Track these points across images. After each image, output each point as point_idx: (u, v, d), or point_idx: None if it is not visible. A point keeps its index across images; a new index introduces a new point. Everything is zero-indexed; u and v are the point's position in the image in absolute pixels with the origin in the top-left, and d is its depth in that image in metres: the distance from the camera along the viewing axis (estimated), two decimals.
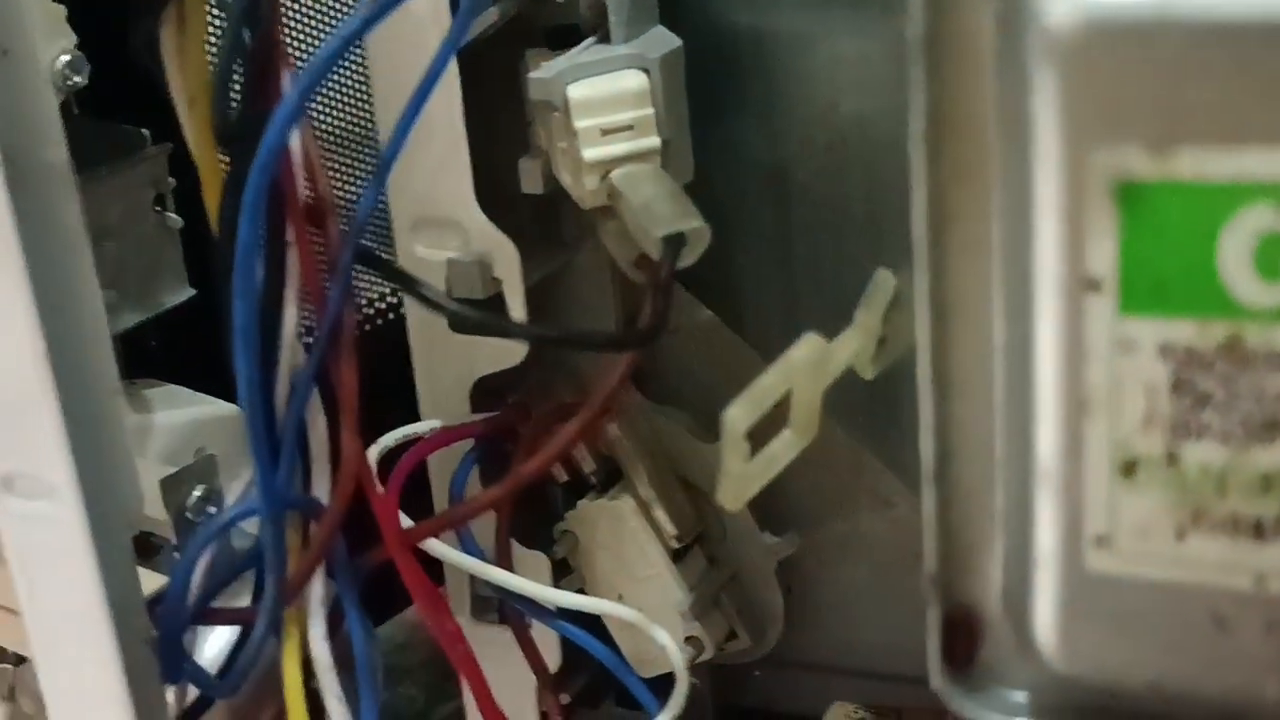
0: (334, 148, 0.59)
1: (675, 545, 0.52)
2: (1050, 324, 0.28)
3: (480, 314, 0.42)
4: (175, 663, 0.40)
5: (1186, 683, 0.29)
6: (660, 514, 0.52)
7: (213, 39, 0.37)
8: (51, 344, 0.35)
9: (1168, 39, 0.25)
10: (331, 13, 0.57)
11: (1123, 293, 0.27)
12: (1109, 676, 0.30)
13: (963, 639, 0.32)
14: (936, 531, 0.31)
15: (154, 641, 0.40)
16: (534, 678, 0.51)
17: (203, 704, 0.42)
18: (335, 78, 0.58)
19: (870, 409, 0.42)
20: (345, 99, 0.59)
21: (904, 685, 0.59)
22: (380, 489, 0.42)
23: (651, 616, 0.51)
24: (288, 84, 0.36)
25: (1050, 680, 0.31)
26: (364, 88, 0.59)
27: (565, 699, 0.53)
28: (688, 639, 0.52)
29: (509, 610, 0.50)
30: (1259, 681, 0.28)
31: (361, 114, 0.60)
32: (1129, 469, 0.28)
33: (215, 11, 0.37)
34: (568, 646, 0.52)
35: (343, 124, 0.59)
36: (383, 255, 0.46)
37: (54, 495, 0.36)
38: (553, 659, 0.52)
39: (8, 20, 0.34)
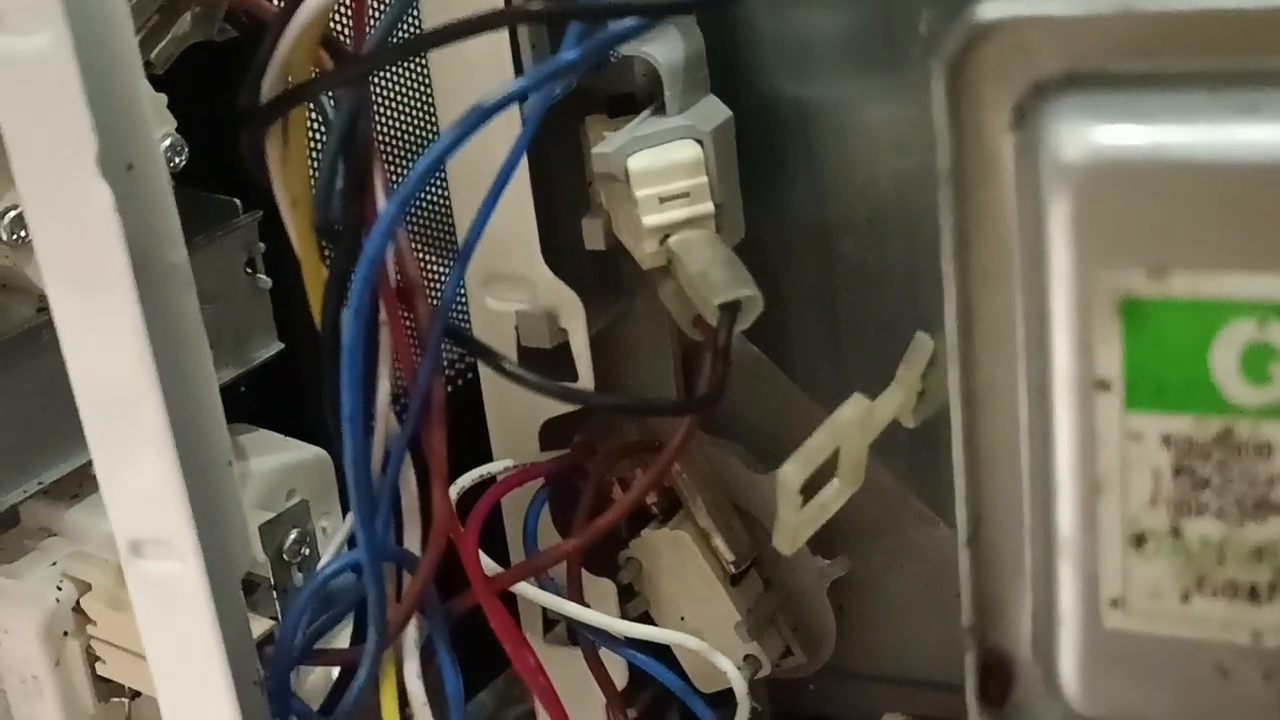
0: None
1: (733, 570, 0.56)
2: (1066, 416, 0.32)
3: (557, 386, 0.46)
4: (283, 701, 0.45)
5: None
6: (718, 542, 0.56)
7: (314, 144, 0.41)
8: (176, 426, 0.39)
9: (1162, 177, 0.30)
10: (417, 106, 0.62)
11: (1128, 392, 0.31)
12: (1126, 717, 0.34)
13: (997, 681, 0.36)
14: (971, 588, 0.35)
15: (264, 681, 0.44)
16: (601, 694, 0.55)
17: None
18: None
19: (912, 453, 0.47)
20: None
21: (950, 693, 0.63)
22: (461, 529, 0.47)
23: (711, 636, 0.55)
24: (380, 187, 0.40)
25: (1076, 718, 0.35)
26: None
27: (632, 714, 0.58)
28: (746, 657, 0.57)
29: (579, 634, 0.54)
30: None
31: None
32: (1138, 541, 0.32)
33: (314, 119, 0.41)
34: (634, 665, 0.56)
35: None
36: (466, 331, 0.50)
37: (178, 557, 0.41)
38: (620, 678, 0.56)
39: (135, 138, 0.38)
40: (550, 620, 0.57)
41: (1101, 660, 0.34)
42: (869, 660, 0.65)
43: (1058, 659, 0.34)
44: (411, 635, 0.45)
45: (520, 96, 0.40)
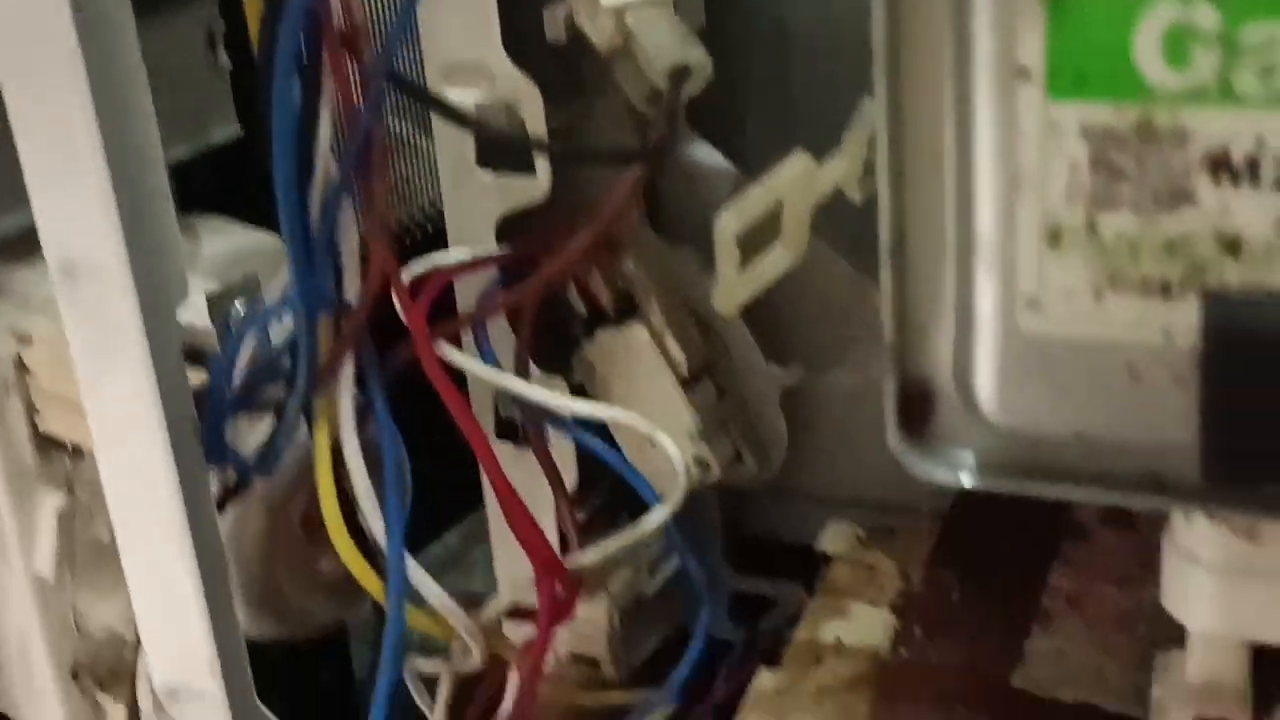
0: None
1: (685, 373, 0.56)
2: (988, 110, 0.32)
3: (504, 130, 0.46)
4: (218, 447, 0.44)
5: (1108, 431, 0.33)
6: (671, 344, 0.56)
7: None
8: (109, 145, 0.39)
9: None
10: None
11: (1049, 80, 0.31)
12: (1041, 429, 0.34)
13: (917, 406, 0.36)
14: (893, 309, 0.35)
15: (198, 427, 0.44)
16: (552, 497, 0.55)
17: (241, 485, 0.47)
18: None
19: (861, 232, 0.46)
20: None
21: (899, 514, 0.63)
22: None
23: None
24: None
25: (993, 440, 0.35)
26: None
27: (581, 517, 0.57)
28: (696, 460, 0.57)
29: (530, 431, 0.54)
30: (1169, 428, 0.32)
31: None
32: (1054, 238, 0.32)
33: None
34: (584, 467, 0.56)
35: None
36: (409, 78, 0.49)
37: (107, 278, 0.41)
38: (570, 477, 0.56)
39: None
40: (503, 422, 0.57)
41: (1017, 369, 0.34)
42: (819, 480, 0.65)
43: (975, 374, 0.34)
44: (349, 376, 0.45)
45: None
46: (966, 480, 0.35)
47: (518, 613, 0.52)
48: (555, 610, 0.49)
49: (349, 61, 0.42)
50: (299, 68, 0.41)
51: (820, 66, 0.47)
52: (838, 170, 0.43)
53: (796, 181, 0.42)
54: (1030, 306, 0.33)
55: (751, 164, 0.54)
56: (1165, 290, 0.32)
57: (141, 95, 0.40)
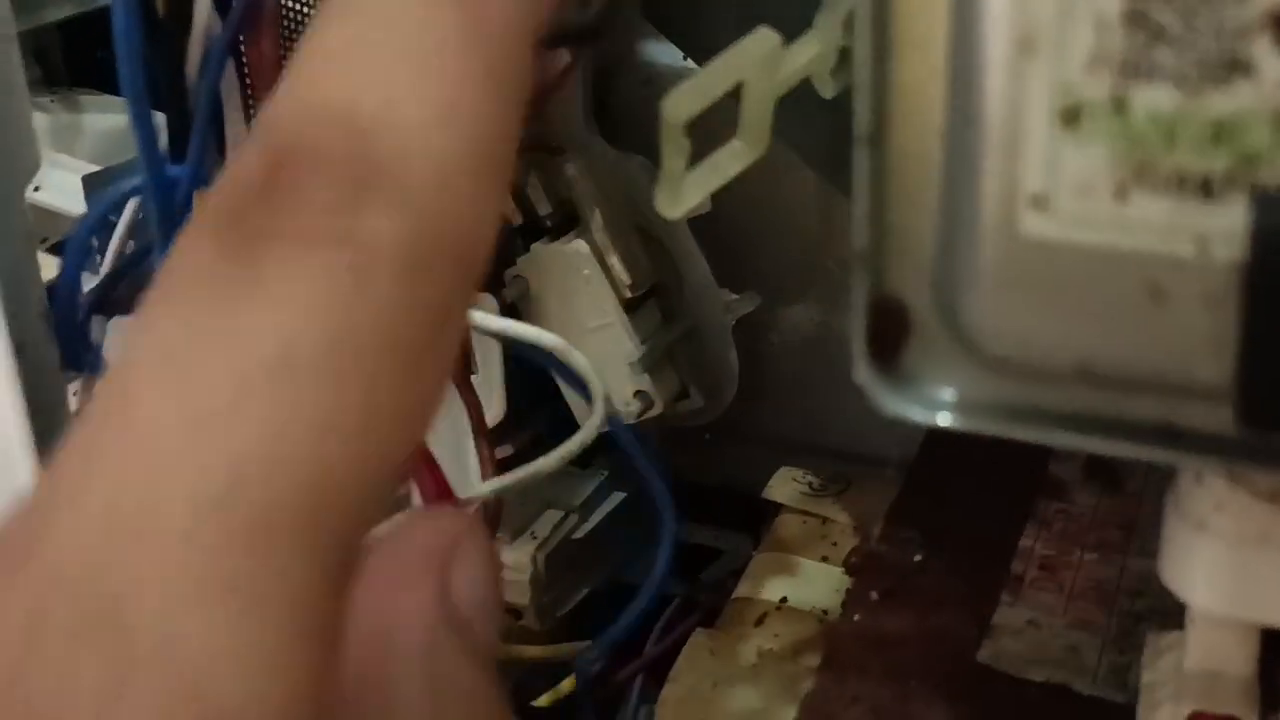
0: None
1: (629, 295, 0.50)
2: None
3: None
4: (75, 351, 0.37)
5: (1116, 363, 0.26)
6: (615, 261, 0.49)
7: None
8: None
9: None
10: None
11: None
12: (1037, 359, 0.27)
13: (889, 330, 0.29)
14: (868, 208, 0.28)
15: (50, 324, 0.37)
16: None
17: None
18: None
19: (833, 139, 0.39)
20: None
21: (855, 464, 0.57)
22: None
23: (600, 369, 0.48)
24: None
25: (978, 372, 0.28)
26: None
27: (508, 450, 0.51)
28: (636, 393, 0.50)
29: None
30: (1192, 360, 0.25)
31: None
32: (1072, 116, 0.25)
33: None
34: (514, 399, 0.49)
35: None
36: None
37: None
38: (495, 409, 0.49)
39: None
40: None
41: (1014, 283, 0.26)
42: (773, 425, 0.58)
43: (962, 289, 0.27)
44: None
45: None
46: (944, 420, 0.29)
47: None
48: None
49: None
50: None
51: None
52: (808, 53, 0.36)
53: (760, 62, 0.35)
54: (1035, 205, 0.26)
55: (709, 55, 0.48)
56: (1206, 189, 0.25)
57: None
